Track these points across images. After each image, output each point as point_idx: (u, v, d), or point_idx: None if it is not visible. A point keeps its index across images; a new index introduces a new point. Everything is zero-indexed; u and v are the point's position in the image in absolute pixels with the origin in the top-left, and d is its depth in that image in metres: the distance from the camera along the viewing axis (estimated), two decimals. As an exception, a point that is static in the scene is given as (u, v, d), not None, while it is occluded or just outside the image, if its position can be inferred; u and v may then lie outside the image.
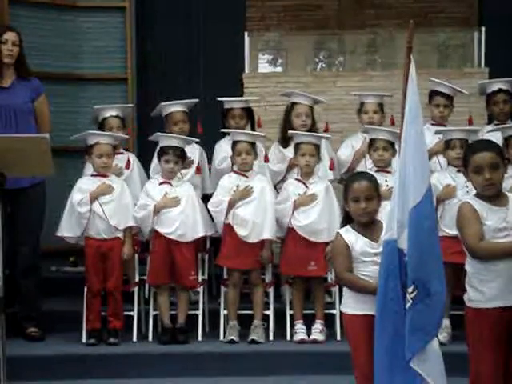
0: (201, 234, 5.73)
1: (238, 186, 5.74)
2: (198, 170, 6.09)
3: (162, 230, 5.68)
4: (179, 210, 5.69)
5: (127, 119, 6.31)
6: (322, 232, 5.64)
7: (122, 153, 6.13)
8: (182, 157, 5.76)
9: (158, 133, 5.86)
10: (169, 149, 5.71)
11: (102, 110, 6.18)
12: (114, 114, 6.13)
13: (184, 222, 5.68)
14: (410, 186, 3.35)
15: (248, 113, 6.20)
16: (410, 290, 3.33)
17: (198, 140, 6.02)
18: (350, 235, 3.81)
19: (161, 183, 5.78)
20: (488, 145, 3.87)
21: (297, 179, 5.82)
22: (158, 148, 6.07)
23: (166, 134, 5.88)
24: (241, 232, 5.68)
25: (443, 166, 5.75)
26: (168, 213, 5.69)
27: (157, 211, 5.67)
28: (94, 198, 5.65)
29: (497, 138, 5.60)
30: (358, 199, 3.80)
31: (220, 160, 6.11)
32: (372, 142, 5.74)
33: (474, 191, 3.83)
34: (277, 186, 6.03)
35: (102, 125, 6.09)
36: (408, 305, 3.34)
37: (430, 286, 3.33)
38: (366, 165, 5.94)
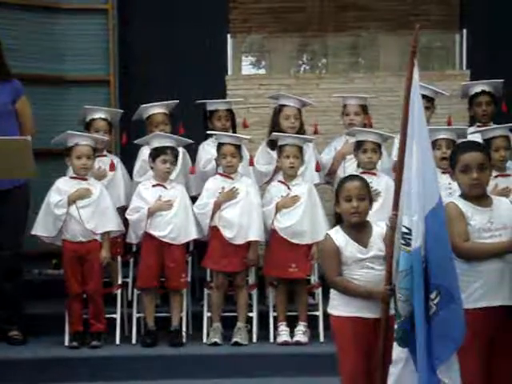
0: (194, 236, 5.74)
1: (223, 188, 5.74)
2: (192, 169, 6.09)
3: (155, 232, 5.67)
4: (172, 213, 5.69)
5: (114, 124, 6.27)
6: (305, 234, 5.65)
7: (105, 155, 6.11)
8: (176, 158, 5.76)
9: (156, 133, 5.82)
10: (166, 149, 5.70)
11: (91, 110, 6.14)
12: (102, 116, 6.10)
13: (177, 225, 5.68)
14: (427, 192, 3.35)
15: (231, 114, 6.21)
16: (432, 296, 3.33)
17: (192, 142, 6.00)
18: (339, 238, 3.81)
19: (154, 185, 5.77)
20: (477, 145, 3.92)
21: (279, 181, 5.83)
22: (141, 150, 6.07)
23: (164, 134, 5.85)
24: (227, 234, 5.68)
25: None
26: (161, 216, 5.68)
27: (150, 214, 5.66)
28: (71, 201, 5.63)
29: (479, 139, 5.64)
30: (351, 198, 3.81)
31: (205, 162, 6.11)
32: (360, 143, 5.74)
33: (457, 193, 3.86)
34: (262, 187, 6.02)
35: (88, 125, 6.07)
36: (432, 311, 3.33)
37: (453, 291, 3.35)
38: (345, 166, 5.95)
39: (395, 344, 3.46)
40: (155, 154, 5.72)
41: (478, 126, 6.06)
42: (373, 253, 3.77)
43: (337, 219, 3.94)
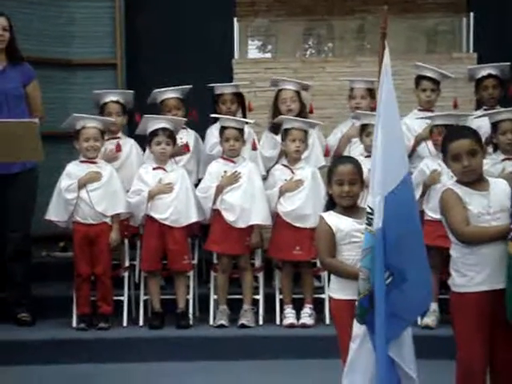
0: (194, 219, 5.75)
1: (225, 172, 5.76)
2: (186, 149, 6.09)
3: (156, 215, 5.70)
4: (173, 196, 5.71)
5: (128, 105, 6.27)
6: (308, 217, 5.66)
7: (119, 137, 6.11)
8: (172, 138, 5.77)
9: (144, 116, 5.81)
10: (158, 130, 5.72)
11: (102, 94, 6.17)
12: (114, 99, 6.12)
13: (178, 208, 5.70)
14: (387, 173, 3.33)
15: (239, 98, 6.22)
16: (385, 276, 3.31)
17: (185, 119, 6.03)
18: (333, 218, 3.82)
19: (154, 168, 5.79)
20: (465, 132, 3.89)
21: (283, 165, 5.84)
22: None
23: (152, 116, 5.84)
24: (229, 217, 5.70)
25: (432, 152, 5.76)
26: (162, 198, 5.70)
27: (151, 197, 5.68)
28: (82, 184, 5.66)
29: (486, 123, 5.65)
30: (342, 182, 3.82)
31: (211, 145, 6.13)
32: (364, 127, 5.75)
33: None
34: (269, 172, 6.04)
35: (102, 109, 6.08)
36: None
37: (407, 272, 3.31)
38: (350, 150, 5.96)
39: (355, 320, 3.46)
40: (149, 138, 5.76)
41: (485, 110, 6.05)
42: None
43: (329, 201, 3.94)
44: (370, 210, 3.37)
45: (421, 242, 3.38)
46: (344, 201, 3.83)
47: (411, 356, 3.43)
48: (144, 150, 6.13)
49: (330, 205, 3.92)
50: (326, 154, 6.03)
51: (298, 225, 5.68)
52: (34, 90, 5.96)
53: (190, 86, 6.23)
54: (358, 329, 3.45)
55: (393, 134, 3.35)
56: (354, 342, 3.49)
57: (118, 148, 6.04)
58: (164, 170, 5.79)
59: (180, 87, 6.20)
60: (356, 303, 3.43)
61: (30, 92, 5.91)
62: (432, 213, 5.33)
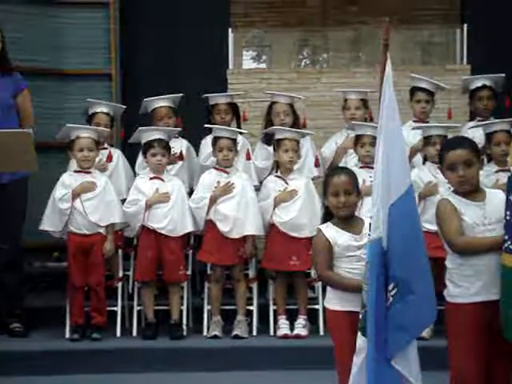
0: (190, 228, 5.75)
1: (218, 183, 5.76)
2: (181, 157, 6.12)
3: (153, 225, 5.69)
4: (170, 205, 5.71)
5: (116, 118, 6.29)
6: (304, 227, 5.66)
7: (106, 148, 6.13)
8: (167, 149, 5.77)
9: (138, 128, 5.83)
10: (154, 142, 5.72)
11: (93, 104, 6.19)
12: (104, 110, 6.14)
13: (174, 217, 5.70)
14: (391, 183, 3.34)
15: (233, 108, 6.23)
16: (390, 287, 3.30)
17: (179, 129, 6.04)
18: (330, 231, 3.82)
19: (151, 178, 5.79)
20: (462, 142, 3.89)
21: (276, 176, 5.84)
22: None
23: (147, 128, 5.87)
24: (222, 228, 5.69)
25: (427, 163, 5.75)
26: (159, 208, 5.70)
27: (148, 206, 5.68)
28: (76, 194, 5.65)
29: (479, 134, 5.65)
30: (338, 193, 3.82)
31: (205, 156, 6.14)
32: (358, 137, 5.76)
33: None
34: (262, 183, 6.04)
35: (90, 118, 6.09)
36: (388, 303, 3.30)
37: (413, 284, 3.30)
38: (347, 161, 5.97)
39: (359, 333, 3.43)
40: (145, 148, 5.77)
41: (479, 121, 6.06)
42: (366, 240, 3.73)
43: (327, 212, 3.96)
44: (371, 221, 3.37)
45: (424, 252, 3.38)
46: (341, 211, 3.83)
47: (417, 367, 3.41)
48: (134, 159, 6.13)
49: (328, 216, 3.92)
50: (316, 164, 6.02)
51: (294, 235, 5.68)
52: (25, 100, 5.95)
53: (181, 95, 6.24)
54: (362, 342, 3.41)
55: (395, 145, 3.37)
56: (357, 356, 3.44)
57: (110, 158, 6.03)
58: (161, 179, 5.79)
59: (171, 96, 6.22)
60: (360, 316, 3.41)
61: (20, 102, 5.90)
62: (428, 224, 5.32)
